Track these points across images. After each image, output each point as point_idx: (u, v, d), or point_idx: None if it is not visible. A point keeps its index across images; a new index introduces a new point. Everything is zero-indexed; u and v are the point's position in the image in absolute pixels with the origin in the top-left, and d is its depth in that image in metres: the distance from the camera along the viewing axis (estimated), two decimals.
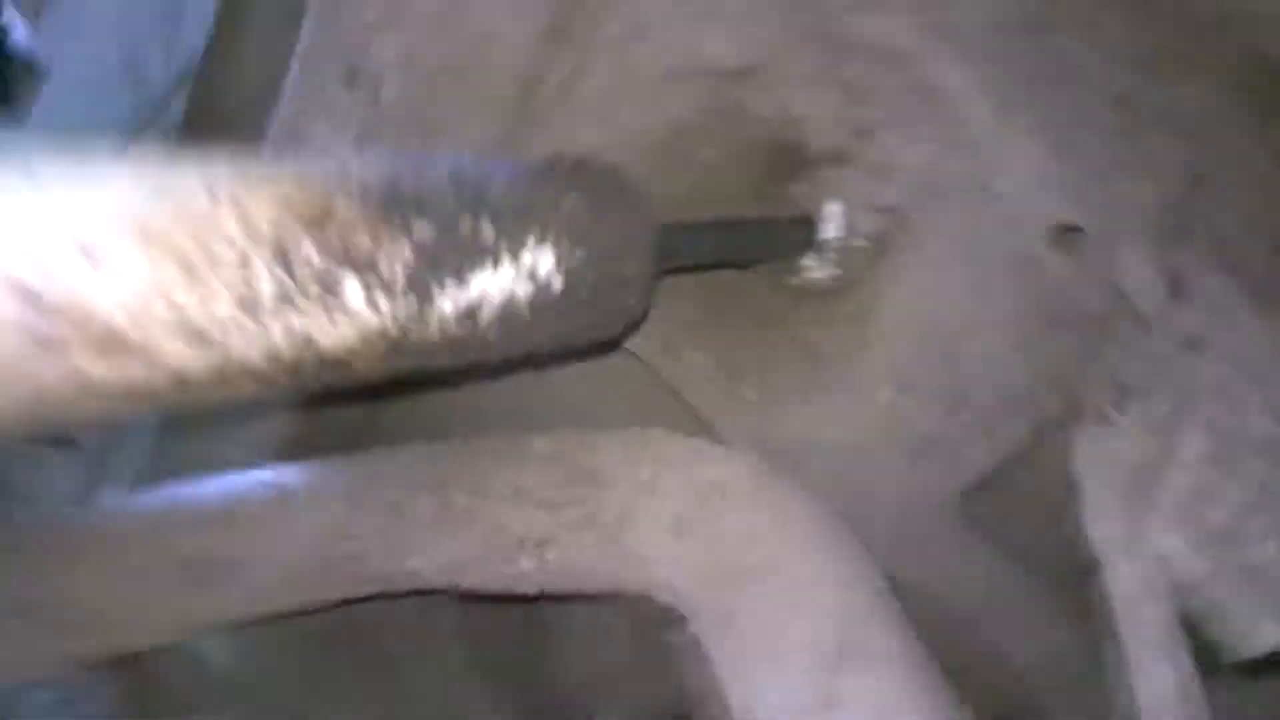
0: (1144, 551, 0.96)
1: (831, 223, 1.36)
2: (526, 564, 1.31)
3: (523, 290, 0.90)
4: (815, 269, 1.38)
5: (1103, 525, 1.01)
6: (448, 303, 0.85)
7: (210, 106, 1.95)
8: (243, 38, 1.93)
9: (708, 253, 1.25)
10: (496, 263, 0.88)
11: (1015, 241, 1.26)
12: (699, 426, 1.52)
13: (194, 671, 1.57)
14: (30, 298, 0.60)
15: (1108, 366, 1.18)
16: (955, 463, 1.41)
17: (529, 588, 1.34)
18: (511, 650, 1.86)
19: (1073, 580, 1.48)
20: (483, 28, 1.26)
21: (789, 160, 1.42)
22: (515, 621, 1.79)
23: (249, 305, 0.71)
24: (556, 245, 0.93)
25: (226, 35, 1.93)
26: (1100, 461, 1.05)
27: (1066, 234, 1.24)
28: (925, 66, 1.25)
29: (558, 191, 0.95)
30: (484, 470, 1.34)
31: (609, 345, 1.11)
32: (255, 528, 1.33)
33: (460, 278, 0.85)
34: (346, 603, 1.41)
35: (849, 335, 1.43)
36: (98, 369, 0.65)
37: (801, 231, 1.36)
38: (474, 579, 1.35)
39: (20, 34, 1.86)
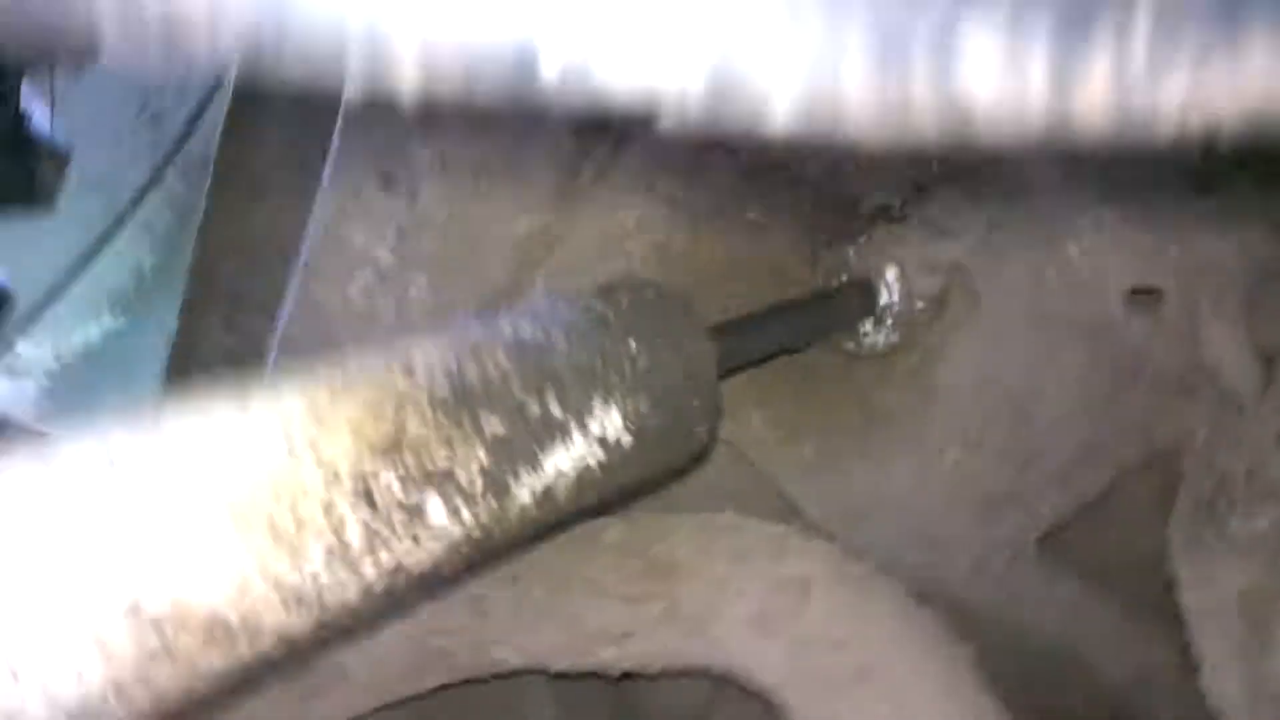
0: (1265, 699, 0.94)
1: (889, 287, 1.33)
2: (609, 653, 1.32)
3: (595, 458, 0.90)
4: (873, 335, 1.36)
5: (1222, 687, 1.00)
6: (525, 492, 0.84)
7: (238, 168, 1.94)
8: (262, 102, 1.92)
9: (765, 347, 1.23)
10: (567, 438, 0.87)
11: (1087, 305, 1.23)
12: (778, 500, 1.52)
13: None
14: (135, 611, 0.61)
15: (1201, 442, 1.15)
16: (1030, 515, 1.39)
17: (613, 671, 1.35)
18: (601, 692, 1.89)
19: (1159, 596, 1.46)
20: (518, 122, 1.24)
21: (839, 219, 1.39)
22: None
23: (340, 555, 0.71)
24: (621, 404, 0.92)
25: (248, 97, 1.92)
26: (1211, 601, 1.03)
27: (1144, 296, 1.21)
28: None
29: (615, 343, 0.94)
30: (559, 562, 1.35)
31: (682, 472, 1.10)
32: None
33: (534, 464, 0.84)
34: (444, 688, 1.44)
35: (910, 393, 1.40)
36: (208, 659, 0.65)
37: (857, 299, 1.33)
38: (559, 665, 1.37)
39: (40, 119, 1.84)
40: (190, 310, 1.89)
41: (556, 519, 0.91)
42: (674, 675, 1.36)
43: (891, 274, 1.32)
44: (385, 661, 1.37)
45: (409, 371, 0.81)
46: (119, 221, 2.45)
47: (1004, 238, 1.26)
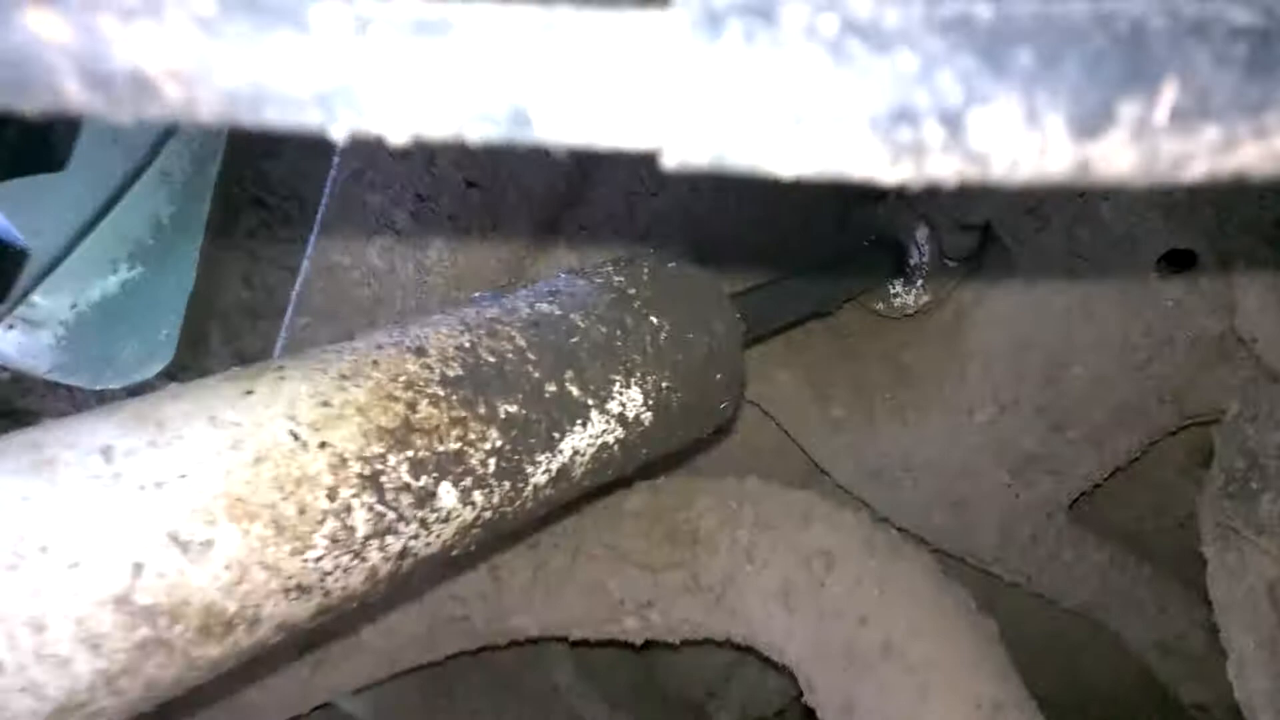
0: None
1: (919, 246, 1.28)
2: (630, 623, 1.31)
3: (613, 436, 0.87)
4: (904, 295, 1.32)
5: (1249, 681, 0.96)
6: (540, 472, 0.82)
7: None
8: None
9: (795, 312, 1.19)
10: (586, 419, 0.84)
11: (1122, 265, 1.18)
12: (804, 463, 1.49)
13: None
14: (126, 606, 0.59)
15: (1232, 416, 1.11)
16: (1062, 477, 1.36)
17: (635, 639, 1.34)
18: (618, 656, 1.88)
19: (1189, 563, 1.43)
20: None
21: None
22: None
23: (345, 544, 0.69)
24: (643, 381, 0.88)
25: None
26: (1240, 591, 0.99)
27: (1178, 259, 1.16)
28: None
29: (637, 319, 0.90)
30: (579, 528, 1.33)
31: (705, 444, 1.07)
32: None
33: (551, 447, 0.82)
34: (458, 655, 1.44)
35: (942, 353, 1.36)
36: (205, 652, 0.63)
37: (888, 258, 1.29)
38: (579, 634, 1.35)
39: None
40: (210, 265, 1.87)
41: (573, 497, 0.89)
42: (696, 644, 1.35)
43: (922, 233, 1.28)
44: (399, 629, 1.36)
45: (420, 352, 0.78)
46: (137, 172, 2.43)
47: (1038, 198, 1.21)
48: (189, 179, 2.55)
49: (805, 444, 1.50)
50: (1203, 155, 0.32)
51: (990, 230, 1.26)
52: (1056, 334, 1.27)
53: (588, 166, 1.30)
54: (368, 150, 1.26)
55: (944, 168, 0.33)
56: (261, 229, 1.85)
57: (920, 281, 1.30)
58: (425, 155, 1.24)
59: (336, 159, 1.30)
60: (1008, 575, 1.53)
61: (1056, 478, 1.36)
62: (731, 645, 1.29)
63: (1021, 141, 0.32)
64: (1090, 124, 0.31)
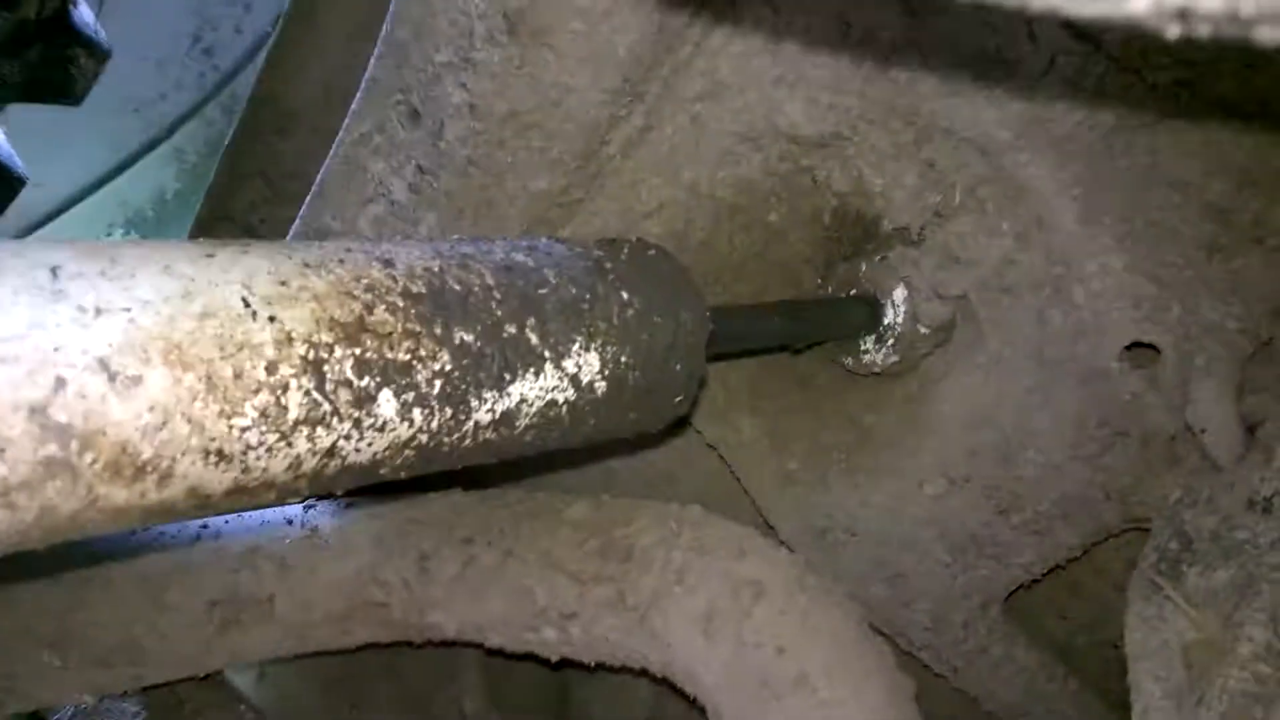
0: None
1: (895, 308, 1.30)
2: (550, 634, 1.28)
3: (564, 395, 0.87)
4: (873, 353, 1.33)
5: None
6: (484, 409, 0.81)
7: (274, 100, 1.94)
8: (311, 39, 1.92)
9: (763, 338, 1.20)
10: (539, 370, 0.84)
11: (1087, 352, 1.20)
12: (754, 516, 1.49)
13: (221, 695, 1.56)
14: (40, 418, 0.58)
15: (1173, 501, 1.12)
16: (1003, 564, 1.35)
17: (551, 654, 1.31)
18: (532, 691, 1.84)
19: (1116, 679, 1.42)
20: (554, 80, 1.22)
21: (857, 234, 1.37)
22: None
23: (275, 421, 0.68)
24: (603, 349, 0.89)
25: (296, 32, 1.93)
26: (1155, 643, 0.99)
27: (1142, 351, 1.18)
28: (1013, 158, 1.19)
29: (608, 290, 0.91)
30: (515, 530, 1.31)
31: (653, 437, 1.07)
32: (282, 568, 1.32)
33: (500, 386, 0.82)
34: (370, 647, 1.40)
35: (902, 420, 1.37)
36: (110, 492, 0.62)
37: (862, 313, 1.31)
38: (496, 640, 1.32)
39: (84, 12, 1.84)
40: (202, 230, 1.88)
41: (512, 448, 0.88)
42: (613, 670, 1.32)
43: (900, 294, 1.30)
44: (314, 604, 1.33)
45: (388, 264, 0.78)
46: (151, 144, 2.46)
47: (1015, 275, 1.23)
48: (200, 160, 2.59)
49: (755, 493, 1.49)
50: None
51: (966, 303, 1.28)
52: (1015, 416, 1.28)
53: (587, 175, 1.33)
54: (380, 114, 1.29)
55: None
56: (262, 203, 1.87)
57: (891, 342, 1.31)
58: (435, 126, 1.26)
59: (347, 120, 1.32)
60: (936, 665, 1.50)
61: (996, 564, 1.36)
62: (645, 674, 1.26)
63: None
64: None
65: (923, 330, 1.30)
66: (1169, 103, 1.17)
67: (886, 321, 1.31)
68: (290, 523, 1.35)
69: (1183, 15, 0.34)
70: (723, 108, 1.32)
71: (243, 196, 1.90)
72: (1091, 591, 1.53)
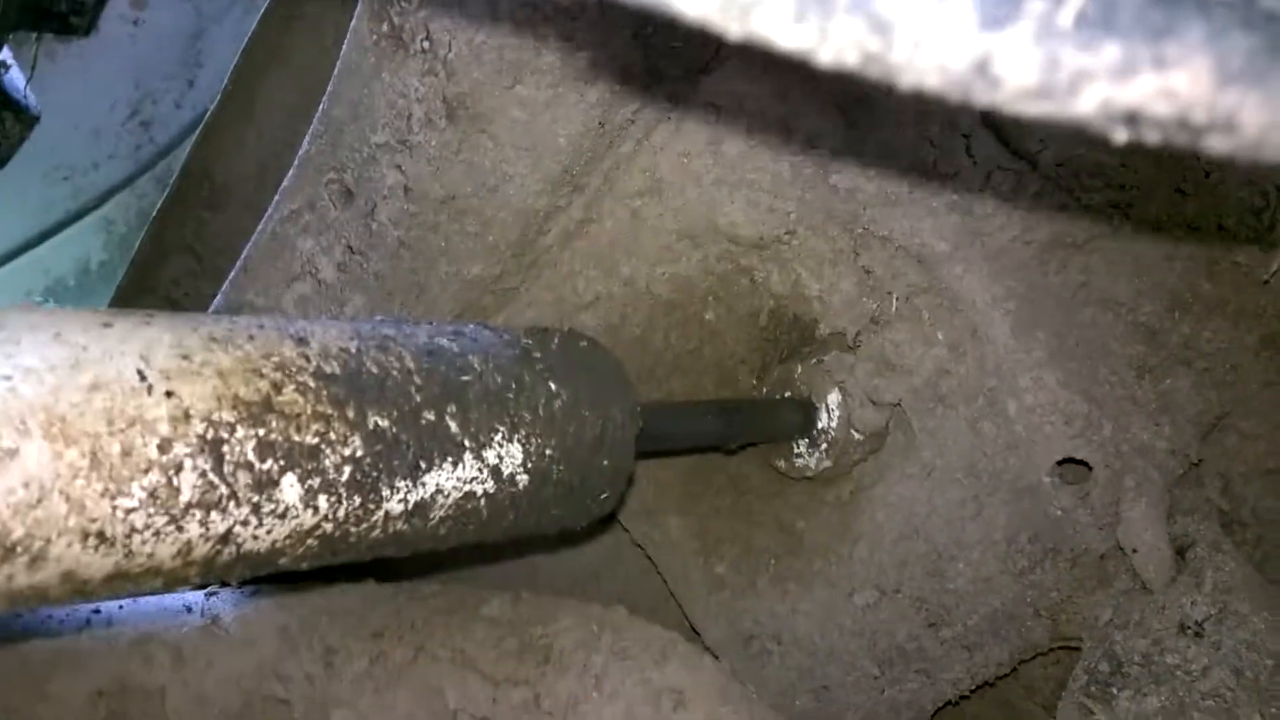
0: None
1: (829, 412, 1.29)
2: None
3: (483, 487, 0.83)
4: (806, 457, 1.31)
5: None
6: (397, 501, 0.77)
7: (206, 174, 1.90)
8: (250, 114, 1.89)
9: (695, 437, 1.18)
10: (458, 460, 0.80)
11: (1019, 465, 1.19)
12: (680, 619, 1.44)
13: None
14: None
15: (1103, 622, 1.10)
16: (931, 679, 1.32)
17: None
18: None
19: None
20: (493, 166, 1.21)
21: (794, 337, 1.36)
22: None
23: (165, 503, 0.63)
24: (527, 441, 0.85)
25: (235, 107, 1.90)
26: None
27: (1074, 467, 1.17)
28: (948, 270, 1.20)
29: (535, 380, 0.88)
30: (429, 625, 1.25)
31: (577, 534, 1.03)
32: (176, 658, 1.24)
33: (414, 475, 0.77)
34: None
35: (834, 527, 1.35)
36: None
37: (797, 416, 1.29)
38: None
39: (14, 77, 1.81)
40: (123, 302, 1.82)
41: (426, 541, 0.83)
42: None
43: (834, 399, 1.28)
44: (209, 699, 1.25)
45: (302, 342, 0.75)
46: (79, 213, 2.40)
47: (949, 386, 1.23)
48: (130, 231, 2.52)
49: (681, 596, 1.45)
50: (1101, 77, 0.32)
51: (900, 410, 1.28)
52: (946, 527, 1.26)
53: (522, 263, 1.30)
54: (312, 191, 1.26)
55: (846, 33, 0.32)
56: (188, 277, 1.82)
57: (825, 446, 1.29)
58: (368, 206, 1.24)
59: (277, 197, 1.29)
60: None
61: (924, 679, 1.32)
62: None
63: (928, 17, 0.32)
64: (998, 13, 0.32)
65: (856, 436, 1.29)
66: (1102, 223, 1.19)
67: (820, 425, 1.29)
68: (190, 610, 1.27)
69: (1131, 120, 0.33)
70: (663, 205, 1.32)
71: (168, 269, 1.85)
72: (1021, 711, 1.50)
